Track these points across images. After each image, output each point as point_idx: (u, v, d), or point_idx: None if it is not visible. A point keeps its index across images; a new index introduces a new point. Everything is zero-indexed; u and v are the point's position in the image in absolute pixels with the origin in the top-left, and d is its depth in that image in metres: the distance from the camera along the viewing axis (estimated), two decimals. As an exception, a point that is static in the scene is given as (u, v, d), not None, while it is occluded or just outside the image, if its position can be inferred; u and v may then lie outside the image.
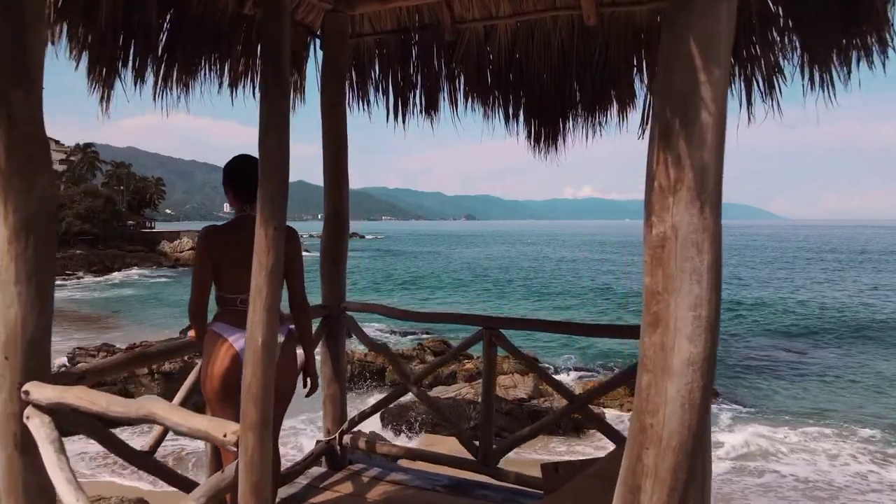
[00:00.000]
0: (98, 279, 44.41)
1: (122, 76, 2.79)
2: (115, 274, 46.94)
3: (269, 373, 1.49)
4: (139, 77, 2.88)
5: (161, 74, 3.01)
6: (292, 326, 2.55)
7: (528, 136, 3.79)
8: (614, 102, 3.57)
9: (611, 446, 2.88)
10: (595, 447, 10.85)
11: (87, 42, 2.61)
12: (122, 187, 65.45)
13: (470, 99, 3.78)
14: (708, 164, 1.03)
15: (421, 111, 3.85)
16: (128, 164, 74.01)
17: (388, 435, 10.80)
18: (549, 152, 3.78)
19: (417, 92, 3.83)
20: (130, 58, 2.81)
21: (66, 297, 34.94)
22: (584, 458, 9.26)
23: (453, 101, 3.78)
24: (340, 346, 3.61)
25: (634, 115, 3.60)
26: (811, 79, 2.68)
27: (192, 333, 2.50)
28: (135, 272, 47.77)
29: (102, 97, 2.75)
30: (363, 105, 3.91)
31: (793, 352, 19.97)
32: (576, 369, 17.34)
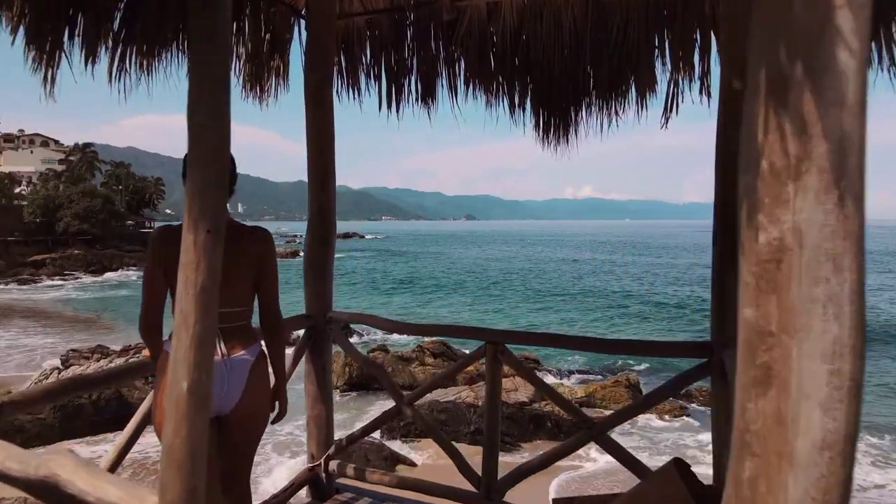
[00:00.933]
0: (96, 279, 44.18)
1: (69, 53, 2.40)
2: (113, 274, 46.62)
3: (200, 431, 1.11)
4: (91, 55, 2.49)
5: (118, 53, 2.62)
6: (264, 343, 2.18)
7: (536, 127, 3.41)
8: (633, 89, 3.19)
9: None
10: (601, 450, 10.49)
11: (25, 11, 2.24)
12: (120, 187, 65.07)
13: (471, 86, 3.40)
14: (849, 131, 0.65)
15: (417, 99, 3.46)
16: (127, 164, 73.56)
17: (386, 439, 10.44)
18: (560, 145, 3.39)
19: (413, 78, 3.44)
20: (79, 31, 2.43)
21: (63, 297, 34.61)
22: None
23: (452, 88, 3.40)
24: (326, 361, 3.23)
25: (655, 104, 3.23)
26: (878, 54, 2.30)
27: (146, 352, 2.13)
28: (133, 272, 47.42)
29: (45, 78, 2.36)
30: (353, 93, 3.52)
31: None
32: (579, 372, 16.92)
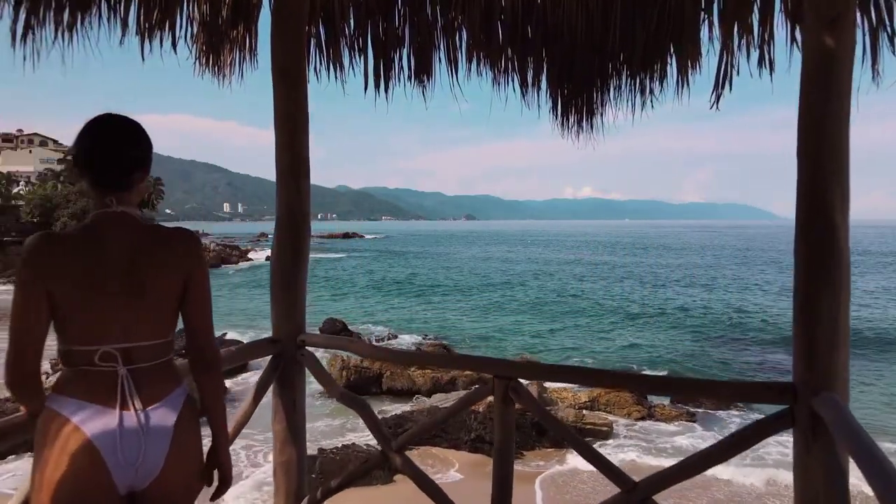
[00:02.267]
0: (92, 280, 43.84)
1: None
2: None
3: None
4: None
5: (24, 15, 2.05)
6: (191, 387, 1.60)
7: (553, 110, 2.84)
8: (672, 63, 2.62)
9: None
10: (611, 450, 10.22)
11: None
12: (118, 187, 64.64)
13: (474, 60, 2.83)
14: None
15: (409, 77, 2.88)
16: (125, 163, 72.92)
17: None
18: (582, 132, 2.82)
19: (404, 51, 2.86)
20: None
21: (58, 298, 34.16)
22: (584, 484, 8.50)
23: (452, 64, 2.83)
24: (298, 394, 2.65)
25: (699, 81, 2.66)
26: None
27: (24, 409, 1.55)
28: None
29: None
30: (333, 70, 2.94)
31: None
32: (583, 376, 16.29)
